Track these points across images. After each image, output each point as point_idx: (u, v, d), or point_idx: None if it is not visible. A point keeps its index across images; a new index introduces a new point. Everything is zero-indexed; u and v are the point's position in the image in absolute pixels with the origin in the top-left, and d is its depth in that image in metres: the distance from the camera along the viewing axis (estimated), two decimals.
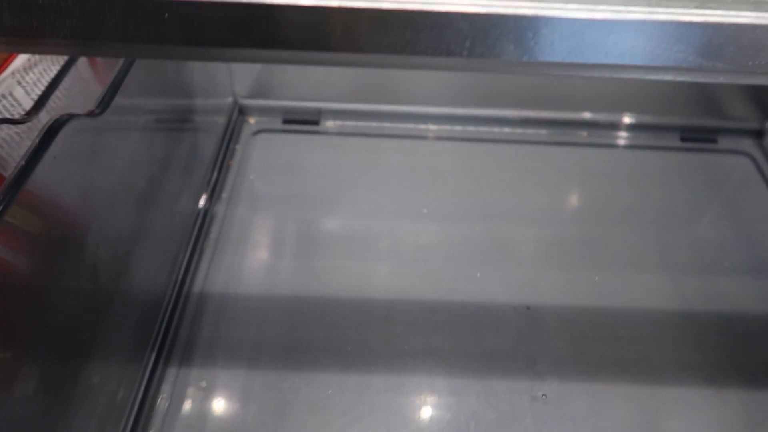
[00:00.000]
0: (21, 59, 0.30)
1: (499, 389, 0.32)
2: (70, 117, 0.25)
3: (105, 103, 0.27)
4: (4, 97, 0.29)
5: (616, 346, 0.34)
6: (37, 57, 0.31)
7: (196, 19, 0.15)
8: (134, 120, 0.30)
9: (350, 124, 0.47)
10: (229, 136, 0.45)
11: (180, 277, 0.35)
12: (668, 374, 0.33)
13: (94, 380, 0.27)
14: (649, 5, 0.15)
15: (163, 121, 0.35)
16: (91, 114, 0.26)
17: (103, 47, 0.17)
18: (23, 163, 0.22)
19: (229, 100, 0.46)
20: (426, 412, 0.31)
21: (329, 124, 0.48)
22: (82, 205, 0.26)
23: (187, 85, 0.38)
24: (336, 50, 0.16)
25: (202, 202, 0.40)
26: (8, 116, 0.28)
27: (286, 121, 0.48)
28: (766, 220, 0.43)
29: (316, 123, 0.47)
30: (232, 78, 0.46)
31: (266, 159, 0.45)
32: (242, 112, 0.47)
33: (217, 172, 0.42)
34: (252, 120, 0.47)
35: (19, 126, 0.26)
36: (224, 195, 0.41)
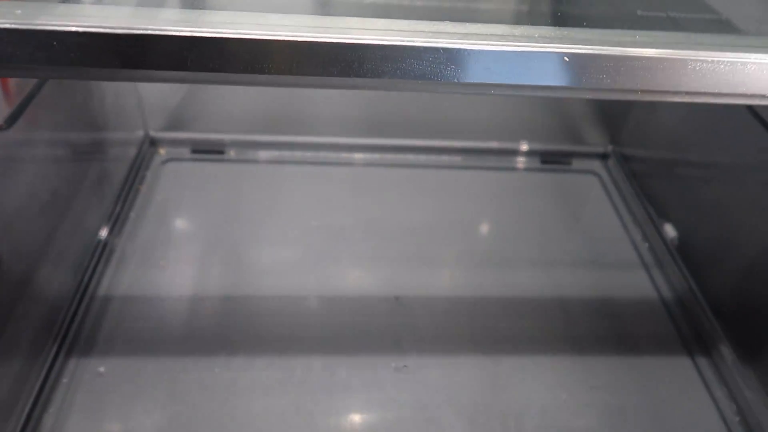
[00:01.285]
0: None
1: (368, 363, 0.37)
2: None
3: (12, 119, 0.31)
4: None
5: (470, 326, 0.40)
6: None
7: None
8: (42, 138, 0.35)
9: (251, 153, 0.53)
10: (139, 164, 0.50)
11: (86, 281, 0.39)
12: (510, 346, 0.39)
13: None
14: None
15: (73, 144, 0.40)
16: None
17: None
18: None
19: (140, 133, 0.51)
20: (302, 386, 0.36)
21: (232, 153, 0.53)
22: None
23: (98, 116, 0.43)
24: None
25: (110, 218, 0.44)
26: None
27: (194, 151, 0.53)
28: (604, 226, 0.50)
29: (221, 152, 0.53)
30: (144, 112, 0.51)
31: (174, 184, 0.50)
32: (153, 143, 0.52)
33: (126, 194, 0.47)
34: (162, 150, 0.52)
35: None
36: (132, 214, 0.46)
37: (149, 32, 0.20)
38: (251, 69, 0.20)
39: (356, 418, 0.35)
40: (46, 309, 0.35)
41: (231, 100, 0.55)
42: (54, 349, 0.35)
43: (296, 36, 0.20)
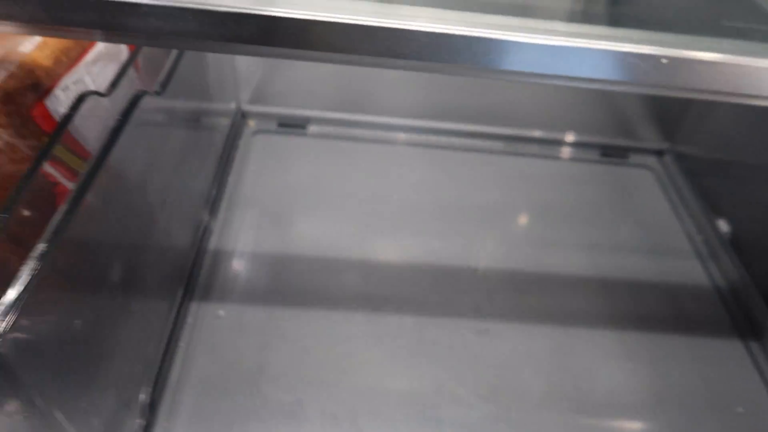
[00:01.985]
0: (90, 55, 0.38)
1: (453, 326, 0.41)
2: (144, 93, 0.33)
3: (163, 85, 0.36)
4: (76, 83, 0.37)
5: (540, 300, 0.44)
6: (97, 54, 0.39)
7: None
8: (176, 105, 0.39)
9: (331, 129, 0.57)
10: (234, 134, 0.54)
11: (200, 235, 0.44)
12: (578, 320, 0.43)
13: (141, 309, 0.35)
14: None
15: (192, 112, 0.44)
16: (155, 93, 0.35)
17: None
18: (113, 125, 0.31)
19: (233, 105, 0.55)
20: (395, 340, 0.40)
21: (314, 128, 0.57)
22: (146, 166, 0.34)
23: (207, 88, 0.47)
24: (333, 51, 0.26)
25: (213, 182, 0.48)
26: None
27: (280, 125, 0.57)
28: (660, 218, 0.54)
29: (303, 127, 0.57)
30: (237, 86, 0.55)
31: (263, 154, 0.54)
32: (243, 116, 0.56)
33: (225, 161, 0.51)
34: (252, 123, 0.56)
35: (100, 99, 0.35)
36: (230, 179, 0.50)
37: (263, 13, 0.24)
38: (332, 48, 0.24)
39: (445, 370, 0.39)
40: (174, 257, 0.40)
41: (314, 79, 0.59)
42: (181, 293, 0.40)
43: (376, 21, 0.24)
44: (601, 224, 0.52)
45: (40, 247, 0.23)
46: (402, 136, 0.57)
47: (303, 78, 0.58)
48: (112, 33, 0.28)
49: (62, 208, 0.25)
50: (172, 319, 0.38)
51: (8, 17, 0.27)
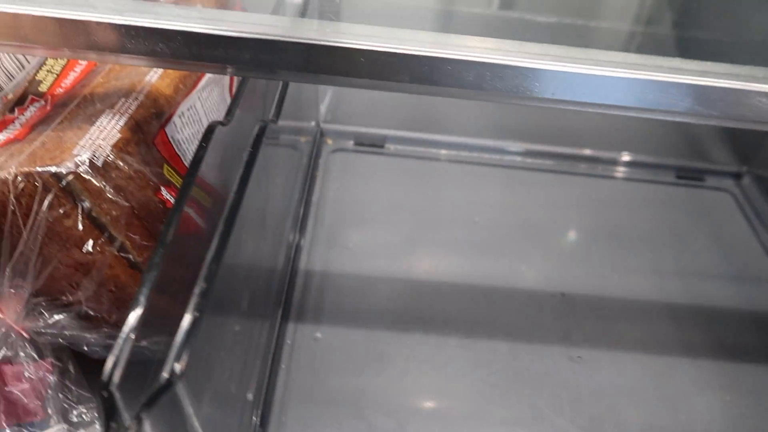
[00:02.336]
0: (203, 81, 0.39)
1: (545, 352, 0.41)
2: (268, 122, 0.34)
3: (277, 114, 0.36)
4: (189, 109, 0.39)
5: (633, 326, 0.44)
6: (207, 80, 0.40)
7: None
8: (281, 130, 0.40)
9: (407, 148, 0.58)
10: (315, 152, 0.55)
11: (291, 255, 0.44)
12: (674, 348, 0.43)
13: (251, 333, 0.35)
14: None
15: (289, 134, 0.45)
16: (272, 121, 0.36)
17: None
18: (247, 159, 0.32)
19: (313, 124, 0.56)
20: (490, 365, 0.40)
21: (390, 147, 0.58)
22: (257, 191, 0.35)
23: (296, 107, 0.48)
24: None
25: (300, 201, 0.49)
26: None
27: (357, 143, 0.58)
28: (742, 242, 0.53)
29: (381, 146, 0.58)
30: (317, 105, 0.56)
31: (342, 173, 0.54)
32: (322, 134, 0.57)
33: (309, 180, 0.52)
34: (330, 141, 0.57)
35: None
36: (314, 198, 0.51)
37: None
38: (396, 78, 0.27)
39: (541, 398, 0.39)
40: (270, 277, 0.41)
41: (389, 97, 0.59)
42: (279, 315, 0.40)
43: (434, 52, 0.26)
44: (682, 249, 0.51)
45: (200, 286, 0.23)
46: (477, 155, 0.58)
47: (379, 97, 0.59)
48: (244, 67, 0.29)
49: (213, 245, 0.25)
50: (273, 341, 0.39)
51: (152, 53, 0.28)
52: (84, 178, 0.28)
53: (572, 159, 0.58)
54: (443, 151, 0.58)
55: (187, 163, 0.37)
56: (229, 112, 0.37)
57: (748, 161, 0.59)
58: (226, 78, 0.43)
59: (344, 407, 0.37)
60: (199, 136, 0.29)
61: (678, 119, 0.28)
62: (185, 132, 0.36)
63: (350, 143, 0.58)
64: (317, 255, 0.46)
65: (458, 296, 0.44)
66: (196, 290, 0.23)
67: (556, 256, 0.49)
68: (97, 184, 0.29)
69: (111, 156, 0.30)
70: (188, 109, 0.37)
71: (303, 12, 0.47)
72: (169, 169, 0.35)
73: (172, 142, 0.36)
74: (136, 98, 0.33)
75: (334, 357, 0.39)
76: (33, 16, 0.26)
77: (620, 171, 0.59)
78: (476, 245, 0.49)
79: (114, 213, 0.30)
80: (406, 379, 0.39)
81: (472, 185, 0.55)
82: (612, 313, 0.45)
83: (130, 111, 0.32)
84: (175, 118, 0.36)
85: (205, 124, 0.34)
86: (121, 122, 0.31)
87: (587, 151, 0.59)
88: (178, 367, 0.21)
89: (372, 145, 0.58)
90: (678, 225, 0.54)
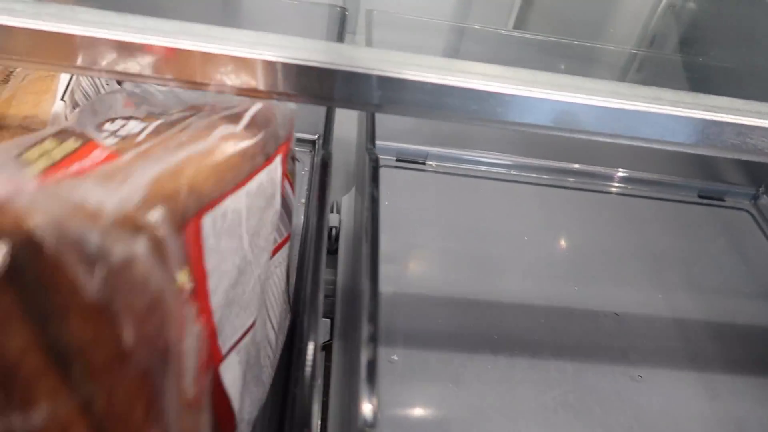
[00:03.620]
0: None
1: (607, 371, 0.43)
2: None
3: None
4: (234, 210, 0.38)
5: (687, 345, 0.46)
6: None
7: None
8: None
9: (449, 165, 0.59)
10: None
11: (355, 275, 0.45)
12: (720, 366, 0.45)
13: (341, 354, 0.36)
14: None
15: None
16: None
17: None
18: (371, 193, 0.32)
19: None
20: (560, 385, 0.41)
21: (432, 164, 0.59)
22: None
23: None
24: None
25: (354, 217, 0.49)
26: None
27: (398, 159, 0.58)
28: (762, 260, 0.56)
29: (423, 163, 0.58)
30: (361, 122, 0.56)
31: (388, 189, 0.55)
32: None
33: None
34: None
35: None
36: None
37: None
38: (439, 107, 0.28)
39: (611, 416, 0.40)
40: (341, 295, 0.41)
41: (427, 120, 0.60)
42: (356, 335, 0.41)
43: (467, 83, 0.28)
44: (714, 267, 0.54)
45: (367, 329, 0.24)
46: (519, 174, 0.59)
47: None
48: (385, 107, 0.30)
49: (365, 285, 0.26)
50: (353, 362, 0.39)
51: (302, 91, 0.28)
52: None
53: (607, 179, 0.60)
54: (484, 168, 0.59)
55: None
56: (327, 141, 0.38)
57: (766, 181, 0.63)
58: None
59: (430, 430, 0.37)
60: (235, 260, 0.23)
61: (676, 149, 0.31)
62: (222, 242, 0.23)
63: (392, 159, 0.58)
64: (382, 274, 0.46)
65: (520, 315, 0.46)
66: (365, 333, 0.23)
67: (603, 276, 0.50)
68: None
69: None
70: (232, 210, 0.24)
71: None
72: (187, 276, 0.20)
73: (204, 241, 0.22)
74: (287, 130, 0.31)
75: (412, 379, 0.40)
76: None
77: (647, 191, 0.61)
78: (529, 264, 0.50)
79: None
80: (482, 402, 0.39)
81: (516, 203, 0.56)
82: (662, 333, 0.47)
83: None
84: (217, 210, 0.22)
85: (246, 244, 0.25)
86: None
87: (621, 172, 0.61)
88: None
89: (414, 161, 0.58)
90: (704, 243, 0.57)
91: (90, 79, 0.36)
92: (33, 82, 0.34)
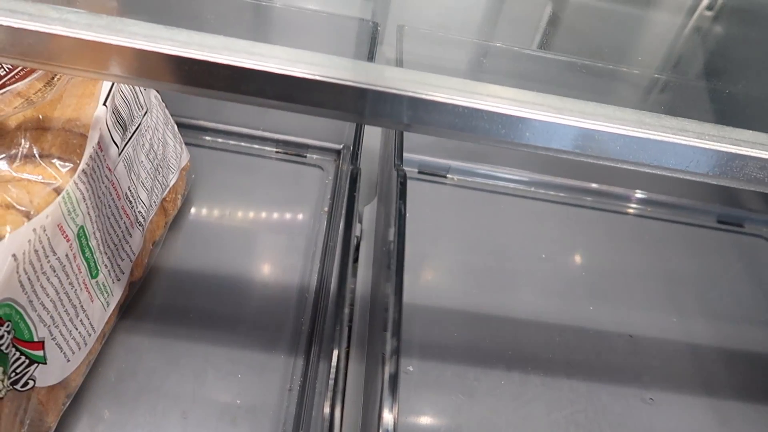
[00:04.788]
0: None
1: (620, 393, 0.43)
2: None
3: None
4: None
5: (700, 369, 0.46)
6: None
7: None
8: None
9: (471, 179, 0.59)
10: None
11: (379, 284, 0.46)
12: (731, 392, 0.45)
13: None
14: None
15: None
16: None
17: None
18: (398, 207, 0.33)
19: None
20: (572, 404, 0.42)
21: (454, 177, 0.59)
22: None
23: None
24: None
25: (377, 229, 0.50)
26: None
27: (420, 172, 0.59)
28: None
29: (444, 176, 0.59)
30: (387, 134, 0.57)
31: (411, 201, 0.56)
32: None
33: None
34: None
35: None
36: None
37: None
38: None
39: None
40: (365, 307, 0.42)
41: None
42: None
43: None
44: (730, 293, 0.54)
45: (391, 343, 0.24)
46: (539, 191, 0.60)
47: None
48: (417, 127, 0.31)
49: (391, 299, 0.26)
50: (367, 371, 0.40)
51: (336, 108, 0.29)
52: None
53: (625, 200, 0.61)
54: (504, 184, 0.59)
55: None
56: (357, 156, 0.39)
57: None
58: None
59: None
60: None
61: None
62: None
63: (414, 171, 0.59)
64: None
65: (534, 332, 0.46)
66: (389, 348, 0.24)
67: (619, 297, 0.51)
68: None
69: None
70: None
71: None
72: None
73: None
74: None
75: (426, 391, 0.40)
76: None
77: (665, 213, 0.62)
78: (545, 281, 0.50)
79: None
80: (496, 418, 0.40)
81: (534, 220, 0.57)
82: (675, 356, 0.47)
83: None
84: None
85: None
86: None
87: (639, 194, 0.61)
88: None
89: (435, 174, 0.59)
90: (721, 268, 0.57)
91: (128, 85, 0.37)
92: (76, 86, 0.35)
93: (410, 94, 0.29)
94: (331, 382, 0.26)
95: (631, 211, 0.61)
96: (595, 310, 0.49)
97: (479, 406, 0.40)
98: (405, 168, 0.58)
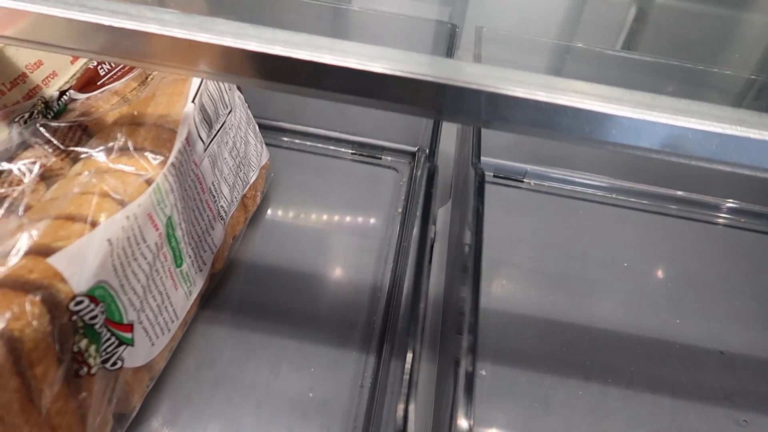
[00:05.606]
0: None
1: (709, 412, 0.40)
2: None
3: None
4: None
5: None
6: None
7: None
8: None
9: (547, 184, 0.58)
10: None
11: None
12: None
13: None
14: None
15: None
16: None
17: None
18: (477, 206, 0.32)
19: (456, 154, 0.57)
20: (655, 421, 0.39)
21: (530, 181, 0.58)
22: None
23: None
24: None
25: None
26: None
27: (496, 176, 0.58)
28: None
29: (521, 180, 0.58)
30: (465, 136, 0.57)
31: (486, 200, 0.55)
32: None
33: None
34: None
35: None
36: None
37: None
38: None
39: None
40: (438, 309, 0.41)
41: (527, 137, 0.59)
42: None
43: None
44: None
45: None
46: (619, 197, 0.57)
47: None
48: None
49: (468, 295, 0.26)
50: (439, 373, 0.39)
51: (415, 104, 0.29)
52: None
53: (714, 209, 0.57)
54: (584, 190, 0.57)
55: None
56: (433, 154, 0.38)
57: None
58: None
59: None
60: None
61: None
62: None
63: (490, 174, 0.58)
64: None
65: (615, 343, 0.44)
66: (463, 351, 0.23)
67: (708, 310, 0.48)
68: None
69: None
70: None
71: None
72: None
73: None
74: None
75: (499, 397, 0.39)
76: None
77: (758, 225, 0.57)
78: (628, 291, 0.48)
79: None
80: (572, 427, 0.38)
81: (616, 227, 0.54)
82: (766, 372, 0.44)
83: None
84: None
85: None
86: None
87: (730, 203, 0.57)
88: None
89: (512, 178, 0.58)
90: None
91: (214, 83, 0.39)
92: (167, 85, 0.37)
93: (491, 89, 0.29)
94: (406, 378, 0.25)
95: (721, 221, 0.57)
96: (682, 324, 0.46)
97: (554, 416, 0.39)
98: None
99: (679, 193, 0.58)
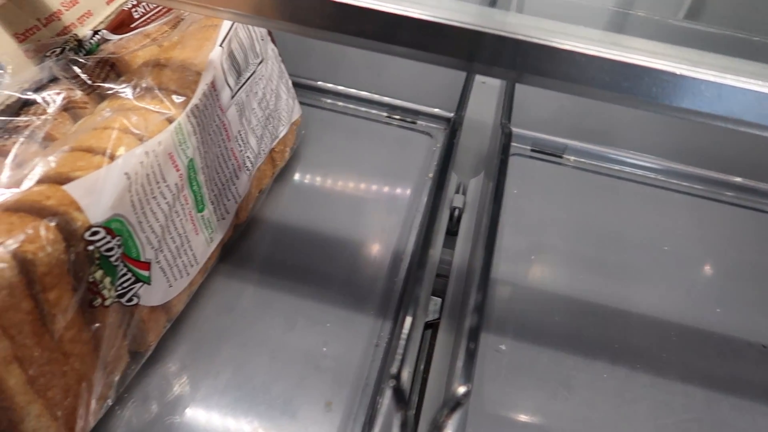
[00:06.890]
0: None
1: (746, 407, 0.38)
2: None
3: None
4: None
5: None
6: None
7: None
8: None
9: (587, 161, 0.55)
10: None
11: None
12: None
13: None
14: None
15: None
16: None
17: None
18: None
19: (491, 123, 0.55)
20: (684, 411, 0.37)
21: (569, 158, 0.55)
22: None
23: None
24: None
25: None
26: None
27: (534, 150, 0.56)
28: None
29: (560, 156, 0.55)
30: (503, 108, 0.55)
31: (521, 178, 0.53)
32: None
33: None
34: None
35: None
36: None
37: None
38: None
39: None
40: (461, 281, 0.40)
41: (572, 106, 0.57)
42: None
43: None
44: None
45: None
46: (662, 179, 0.54)
47: (560, 104, 0.57)
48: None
49: (480, 257, 0.25)
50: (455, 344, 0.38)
51: (448, 52, 0.27)
52: None
53: (762, 195, 0.53)
54: (625, 169, 0.54)
55: None
56: (460, 107, 0.37)
57: None
58: None
59: (531, 430, 0.35)
60: None
61: None
62: None
63: (527, 148, 0.56)
64: (501, 263, 0.45)
65: (647, 329, 0.42)
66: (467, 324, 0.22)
67: (753, 302, 0.45)
68: None
69: None
70: None
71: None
72: None
73: None
74: None
75: (519, 373, 0.38)
76: None
77: None
78: (666, 276, 0.45)
79: None
80: (592, 414, 0.37)
81: (657, 210, 0.51)
82: None
83: None
84: None
85: None
86: None
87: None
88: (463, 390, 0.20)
89: (551, 153, 0.55)
90: None
91: (246, 30, 0.38)
92: (198, 29, 0.36)
93: (523, 38, 0.27)
94: (402, 342, 0.24)
95: (749, 204, 0.53)
96: (722, 313, 0.44)
97: (576, 397, 0.37)
98: (516, 145, 0.56)
99: (737, 179, 0.54)
